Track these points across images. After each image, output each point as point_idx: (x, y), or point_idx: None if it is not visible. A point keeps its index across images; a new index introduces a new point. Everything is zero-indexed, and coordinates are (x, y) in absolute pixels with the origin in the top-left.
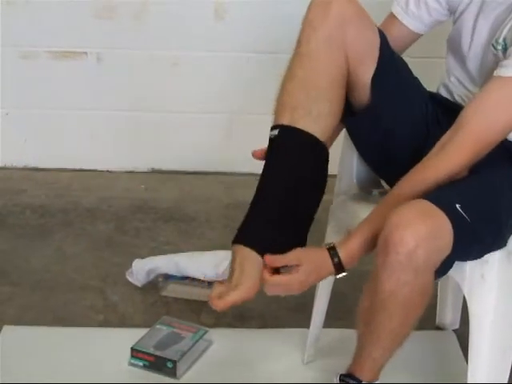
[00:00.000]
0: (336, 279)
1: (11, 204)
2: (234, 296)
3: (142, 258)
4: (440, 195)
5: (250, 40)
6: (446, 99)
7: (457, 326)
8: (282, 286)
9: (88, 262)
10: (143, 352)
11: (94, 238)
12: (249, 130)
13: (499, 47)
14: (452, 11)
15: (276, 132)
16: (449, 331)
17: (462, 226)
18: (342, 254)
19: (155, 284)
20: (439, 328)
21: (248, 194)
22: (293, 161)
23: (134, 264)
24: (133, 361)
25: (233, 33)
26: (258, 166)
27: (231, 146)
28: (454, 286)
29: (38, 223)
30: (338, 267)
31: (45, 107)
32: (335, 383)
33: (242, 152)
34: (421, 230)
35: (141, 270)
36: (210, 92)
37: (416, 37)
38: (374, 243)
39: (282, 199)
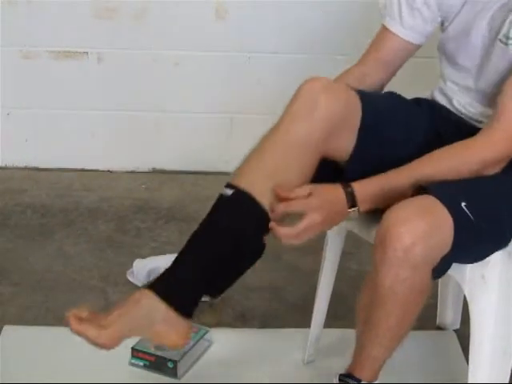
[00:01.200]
0: (338, 279)
1: (12, 204)
2: (92, 333)
3: (143, 257)
4: (447, 191)
5: (250, 40)
6: (444, 108)
7: (457, 326)
8: (296, 230)
9: (89, 262)
10: (144, 352)
11: (95, 238)
12: (249, 130)
13: (511, 41)
14: (444, 16)
15: (229, 192)
16: (449, 331)
17: (464, 225)
18: (357, 188)
19: None
20: (440, 328)
21: None
22: (234, 229)
23: (134, 264)
24: (133, 361)
25: (234, 33)
26: None
27: (232, 145)
28: (455, 286)
29: (38, 223)
30: (351, 200)
31: (46, 107)
32: (335, 383)
33: (242, 152)
34: (419, 227)
35: (142, 269)
36: (211, 92)
37: (415, 48)
38: (386, 197)
39: (211, 264)
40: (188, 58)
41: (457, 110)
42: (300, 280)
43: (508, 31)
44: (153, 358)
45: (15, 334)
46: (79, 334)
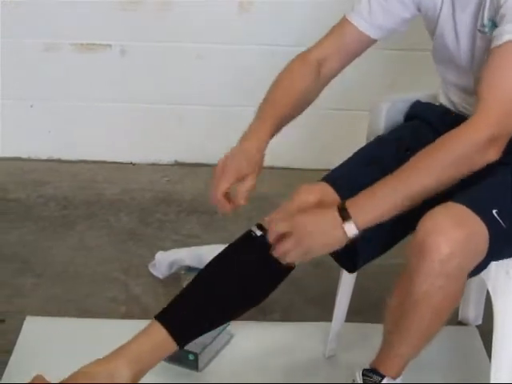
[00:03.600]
0: (359, 274)
1: (35, 196)
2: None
3: (165, 250)
4: (477, 200)
5: (274, 33)
6: (449, 111)
7: (480, 322)
8: (290, 245)
9: (110, 254)
10: None
11: (117, 230)
12: None
13: (487, 29)
14: (425, 14)
15: (258, 233)
16: (471, 327)
17: (497, 232)
18: (348, 203)
19: (178, 276)
20: (462, 323)
21: (269, 188)
22: (257, 270)
23: (156, 256)
24: None
25: (257, 25)
26: (279, 159)
27: None
28: (478, 282)
29: (61, 215)
30: (344, 213)
31: (69, 99)
32: (358, 379)
33: None
34: (456, 238)
35: (163, 262)
36: (234, 85)
37: (371, 44)
38: (383, 208)
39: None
40: (211, 51)
41: (462, 112)
42: (322, 274)
43: (483, 20)
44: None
45: (37, 324)
46: None
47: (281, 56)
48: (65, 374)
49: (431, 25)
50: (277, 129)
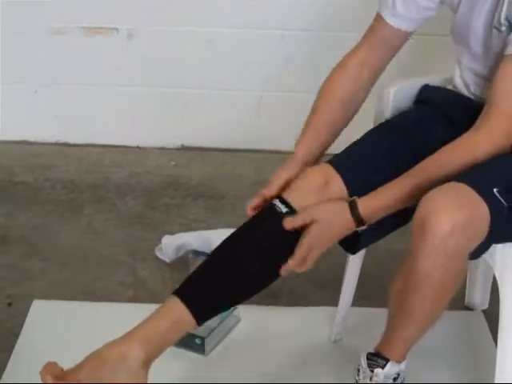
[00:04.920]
0: (365, 259)
1: (42, 179)
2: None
3: (172, 234)
4: (478, 179)
5: (283, 17)
6: (460, 94)
7: (486, 307)
8: (304, 257)
9: (117, 238)
10: None
11: (124, 214)
12: (279, 108)
13: (503, 28)
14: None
15: (284, 209)
16: (477, 311)
17: (498, 211)
18: (361, 205)
19: (184, 260)
20: (468, 308)
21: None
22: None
23: (163, 240)
24: None
25: (267, 10)
26: (288, 144)
27: (261, 123)
28: (484, 267)
29: (68, 198)
30: (357, 217)
31: (76, 83)
32: (362, 362)
33: (271, 129)
34: (457, 217)
35: (170, 246)
36: (242, 69)
37: (408, 36)
38: (394, 205)
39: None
40: (219, 35)
41: (476, 96)
42: (328, 258)
43: (499, 17)
44: None
45: (44, 308)
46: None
47: (290, 40)
48: (72, 357)
49: (451, 6)
50: (322, 136)
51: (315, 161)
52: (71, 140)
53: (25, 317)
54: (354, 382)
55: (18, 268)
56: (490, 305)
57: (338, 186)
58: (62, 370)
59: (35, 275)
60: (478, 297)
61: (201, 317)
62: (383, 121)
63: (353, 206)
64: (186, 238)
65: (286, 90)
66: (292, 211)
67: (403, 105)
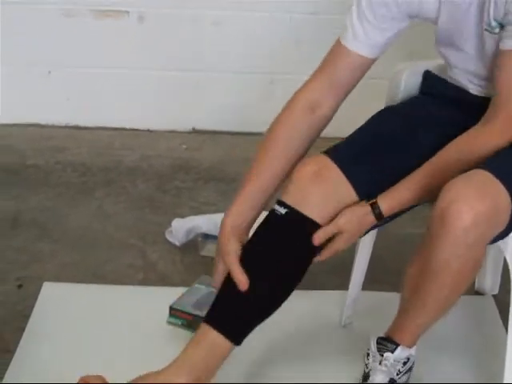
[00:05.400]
0: (376, 242)
1: (53, 162)
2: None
3: (182, 217)
4: (500, 167)
5: (291, 0)
6: (458, 89)
7: (496, 292)
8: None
9: (128, 221)
10: (182, 311)
11: (135, 197)
12: (289, 91)
13: (496, 30)
14: (423, 18)
15: (283, 211)
16: (488, 296)
17: None
18: (384, 207)
19: (194, 243)
20: (478, 293)
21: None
22: (293, 250)
23: (173, 223)
24: (171, 319)
25: None
26: None
27: (272, 106)
28: (494, 251)
29: (79, 181)
30: (379, 217)
31: (87, 66)
32: (372, 347)
33: None
34: (479, 208)
35: (180, 229)
36: (252, 52)
37: (373, 63)
38: (413, 200)
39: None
40: (229, 18)
41: (471, 89)
42: None
43: (490, 21)
44: (190, 317)
45: (54, 290)
46: None
47: (297, 23)
48: (82, 340)
49: (433, 24)
50: (257, 204)
51: (249, 224)
52: (82, 123)
53: (35, 299)
54: (363, 365)
55: (29, 250)
56: (500, 290)
57: (334, 173)
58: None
59: (46, 258)
60: (489, 282)
61: (235, 337)
62: (385, 107)
63: (375, 208)
64: (197, 221)
65: (297, 72)
66: (291, 211)
67: (414, 88)
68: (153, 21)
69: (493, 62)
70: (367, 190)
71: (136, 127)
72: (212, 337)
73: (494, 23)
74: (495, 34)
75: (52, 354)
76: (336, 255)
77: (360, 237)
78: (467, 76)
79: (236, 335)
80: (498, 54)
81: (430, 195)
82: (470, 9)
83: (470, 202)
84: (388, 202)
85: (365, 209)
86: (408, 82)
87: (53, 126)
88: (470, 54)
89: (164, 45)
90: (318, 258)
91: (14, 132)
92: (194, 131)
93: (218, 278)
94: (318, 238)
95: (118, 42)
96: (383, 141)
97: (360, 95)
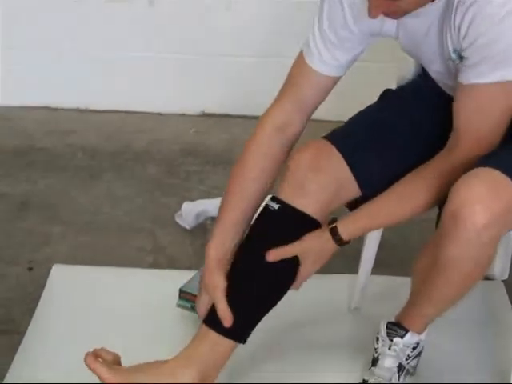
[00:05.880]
0: (385, 228)
1: (62, 145)
2: (102, 371)
3: (192, 200)
4: (503, 162)
5: None
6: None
7: (506, 277)
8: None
9: (137, 204)
10: (191, 294)
11: (144, 181)
12: None
13: (457, 61)
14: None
15: (276, 206)
16: (498, 281)
17: None
18: (344, 233)
19: (204, 227)
20: (488, 278)
21: (299, 139)
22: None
23: (183, 207)
24: (181, 302)
25: None
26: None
27: None
28: (505, 236)
29: (88, 165)
30: (340, 243)
31: (97, 49)
32: (382, 331)
33: None
34: (493, 208)
35: (190, 212)
36: (263, 36)
37: (338, 79)
38: (375, 227)
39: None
40: (240, 2)
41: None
42: None
43: (449, 52)
44: None
45: (64, 273)
46: (90, 368)
47: (307, 8)
48: (91, 323)
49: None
50: (235, 232)
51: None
52: (92, 106)
53: (45, 281)
54: (372, 349)
55: (39, 233)
56: (510, 275)
57: (334, 159)
58: (117, 360)
59: (55, 240)
60: (499, 267)
61: (238, 337)
62: (384, 90)
63: (335, 233)
64: (206, 204)
65: None
66: (283, 205)
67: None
68: (163, 4)
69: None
70: (368, 179)
71: (145, 110)
72: (213, 337)
73: (453, 55)
74: (455, 62)
75: (61, 336)
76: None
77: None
78: (443, 84)
79: (238, 335)
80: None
81: (395, 221)
82: (428, 36)
83: (484, 202)
84: (347, 226)
85: (325, 235)
86: (418, 64)
87: (62, 109)
88: (438, 72)
89: (174, 28)
90: (293, 287)
91: (24, 115)
92: (204, 115)
93: (203, 308)
94: (272, 254)
95: (128, 26)
96: (383, 127)
97: (369, 79)
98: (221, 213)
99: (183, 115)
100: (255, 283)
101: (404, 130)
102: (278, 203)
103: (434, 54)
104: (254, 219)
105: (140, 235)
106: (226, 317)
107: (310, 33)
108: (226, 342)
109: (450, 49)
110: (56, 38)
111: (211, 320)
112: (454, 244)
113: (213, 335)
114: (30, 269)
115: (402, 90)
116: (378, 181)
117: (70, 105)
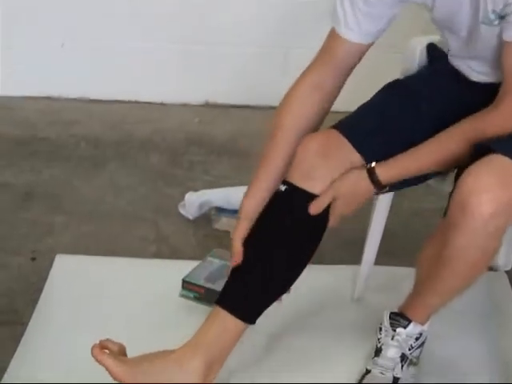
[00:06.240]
0: (389, 217)
1: (65, 135)
2: (110, 363)
3: (195, 191)
4: None
5: None
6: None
7: (509, 268)
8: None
9: (141, 194)
10: (194, 284)
11: (147, 171)
12: (303, 65)
13: (496, 22)
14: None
15: (282, 189)
16: (501, 272)
17: None
18: (382, 173)
19: (207, 217)
20: (491, 269)
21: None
22: (295, 224)
23: (186, 197)
24: (184, 292)
25: None
26: None
27: (286, 80)
28: (510, 227)
29: (91, 154)
30: (377, 184)
31: (100, 39)
32: (385, 321)
33: None
34: (501, 198)
35: (193, 202)
36: (267, 25)
37: (366, 49)
38: (413, 170)
39: (279, 264)
40: None
41: (472, 77)
42: (353, 217)
43: (487, 14)
44: (203, 290)
45: (67, 263)
46: (97, 359)
47: None
48: (94, 313)
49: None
50: (272, 185)
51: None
52: (95, 96)
53: (48, 272)
54: (375, 339)
55: (42, 223)
56: None
57: (344, 147)
58: (122, 350)
59: (59, 230)
60: (502, 258)
61: (249, 318)
62: (394, 80)
63: (372, 173)
64: (210, 195)
65: (312, 46)
66: (290, 187)
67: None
68: None
69: (492, 52)
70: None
71: (149, 100)
72: (225, 318)
73: (492, 16)
74: (494, 25)
75: (64, 326)
76: (342, 220)
77: (372, 200)
78: (467, 62)
79: (249, 316)
80: (495, 44)
81: (434, 168)
82: (464, 1)
83: (493, 191)
84: (385, 168)
85: (361, 173)
86: (422, 56)
87: (65, 99)
88: (467, 42)
89: (178, 18)
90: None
91: (27, 105)
92: (208, 105)
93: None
94: (313, 206)
95: (132, 15)
96: (391, 115)
97: (374, 68)
98: (258, 166)
99: (187, 105)
100: (267, 265)
101: (412, 117)
102: (285, 185)
103: (466, 18)
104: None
105: (143, 225)
106: (237, 252)
107: (337, 2)
108: (238, 325)
109: (489, 9)
110: (59, 27)
111: (224, 300)
112: (461, 233)
113: (225, 317)
114: (33, 259)
115: (408, 78)
116: None
117: (73, 95)
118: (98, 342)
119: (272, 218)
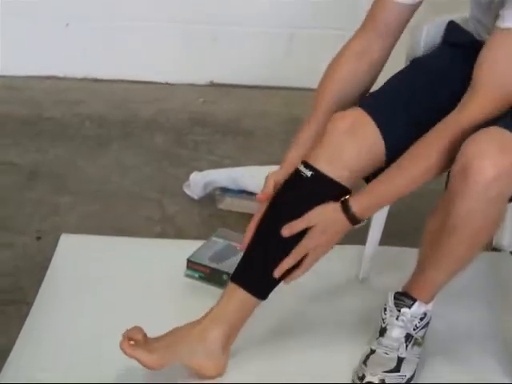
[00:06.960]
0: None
1: (70, 114)
2: (142, 357)
3: (200, 170)
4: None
5: None
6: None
7: None
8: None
9: (146, 174)
10: (199, 264)
11: (152, 150)
12: (310, 45)
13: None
14: None
15: (309, 174)
16: (505, 252)
17: None
18: (355, 207)
19: (212, 197)
20: (496, 249)
21: (307, 110)
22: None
23: (191, 177)
24: (189, 272)
25: None
26: (317, 83)
27: (291, 60)
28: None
29: (96, 134)
30: (353, 219)
31: (105, 18)
32: (390, 301)
33: (302, 67)
34: (502, 163)
35: (198, 182)
36: (273, 5)
37: (414, 8)
38: (387, 202)
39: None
40: None
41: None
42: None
43: None
44: (208, 270)
45: (72, 242)
46: (131, 357)
47: None
48: (99, 292)
49: None
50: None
51: None
52: (100, 76)
53: (53, 251)
54: (380, 319)
55: (47, 203)
56: None
57: (369, 128)
58: (145, 335)
59: (64, 210)
60: (506, 238)
61: (262, 294)
62: (411, 59)
63: (346, 207)
64: (214, 174)
65: (317, 27)
66: (316, 173)
67: (434, 41)
68: None
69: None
70: (395, 145)
71: (154, 80)
72: (240, 294)
73: None
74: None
75: (69, 306)
76: (303, 265)
77: (336, 241)
78: (477, 25)
79: (263, 293)
80: None
81: (413, 187)
82: None
83: (493, 157)
84: (359, 200)
85: (334, 206)
86: (429, 35)
87: (70, 79)
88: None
89: None
90: (282, 264)
91: (32, 84)
92: (212, 84)
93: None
94: (286, 229)
95: None
96: (413, 95)
97: None
98: (307, 124)
99: (191, 85)
100: (281, 244)
101: (432, 97)
102: (310, 170)
103: None
104: (285, 182)
105: (148, 205)
106: (269, 187)
107: None
108: (252, 301)
109: None
110: (64, 7)
111: (239, 276)
112: (463, 199)
113: (240, 293)
114: (39, 238)
115: (428, 57)
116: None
117: (77, 74)
118: (123, 335)
119: (294, 202)
